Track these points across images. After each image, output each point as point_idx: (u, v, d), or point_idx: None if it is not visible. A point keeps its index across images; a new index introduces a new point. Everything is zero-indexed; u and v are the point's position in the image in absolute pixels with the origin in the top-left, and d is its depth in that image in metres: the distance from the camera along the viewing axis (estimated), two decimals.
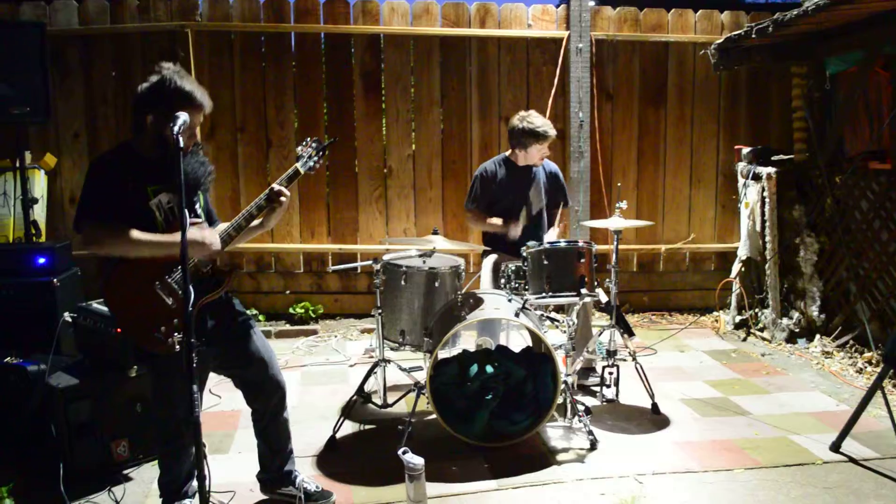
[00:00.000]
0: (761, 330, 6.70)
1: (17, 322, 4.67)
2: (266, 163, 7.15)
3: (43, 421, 4.00)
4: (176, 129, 2.84)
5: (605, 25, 7.29)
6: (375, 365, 4.67)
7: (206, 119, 3.33)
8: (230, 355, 3.49)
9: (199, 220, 3.35)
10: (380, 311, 4.57)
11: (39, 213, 6.26)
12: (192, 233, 3.12)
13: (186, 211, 2.84)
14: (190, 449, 3.48)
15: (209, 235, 3.23)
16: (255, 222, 3.41)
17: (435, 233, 4.57)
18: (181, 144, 2.79)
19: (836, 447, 4.23)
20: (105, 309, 4.17)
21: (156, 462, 3.66)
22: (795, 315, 6.41)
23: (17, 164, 5.78)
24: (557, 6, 7.33)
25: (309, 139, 3.56)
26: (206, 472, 2.70)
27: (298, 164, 3.49)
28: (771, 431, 4.57)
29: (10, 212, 6.22)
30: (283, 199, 3.39)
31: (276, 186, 3.38)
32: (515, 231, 5.21)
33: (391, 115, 7.27)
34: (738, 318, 6.93)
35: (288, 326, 6.99)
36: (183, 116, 2.94)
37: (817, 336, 6.25)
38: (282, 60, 7.12)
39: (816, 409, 4.93)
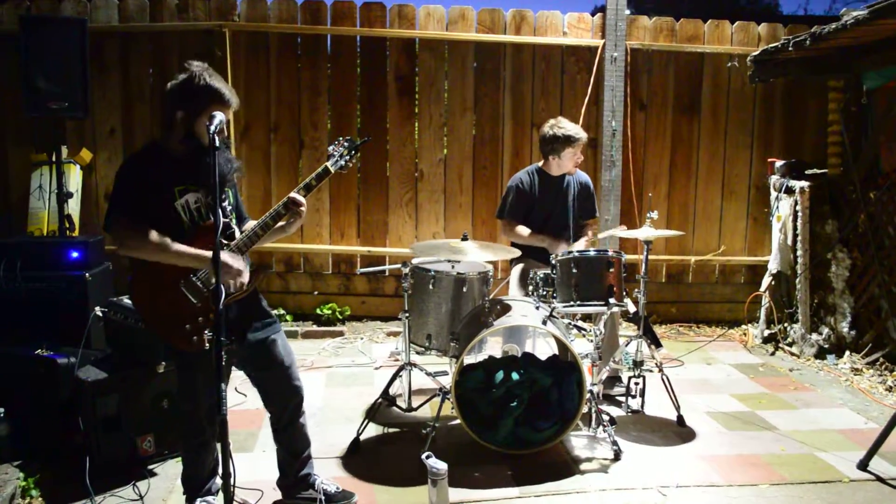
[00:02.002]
0: (790, 345, 6.63)
1: (48, 315, 4.72)
2: (298, 163, 7.20)
3: (71, 414, 4.05)
4: (213, 128, 2.86)
5: (641, 35, 7.26)
6: (401, 368, 4.69)
7: (240, 118, 3.36)
8: (252, 356, 3.50)
9: (226, 220, 3.36)
10: (407, 314, 4.58)
11: (74, 207, 6.34)
12: (226, 258, 3.13)
13: (219, 210, 2.85)
14: (213, 445, 3.51)
15: (238, 263, 3.24)
16: (277, 225, 3.42)
17: (465, 238, 4.57)
18: (217, 144, 2.81)
19: (863, 465, 4.17)
20: None
21: (180, 458, 3.69)
22: (825, 331, 6.33)
23: (54, 159, 5.85)
24: (593, 14, 7.31)
25: (341, 138, 3.57)
26: (232, 470, 2.71)
27: (329, 163, 3.51)
28: (797, 447, 4.53)
29: (45, 205, 6.30)
30: (300, 208, 3.40)
31: (293, 195, 3.38)
32: (562, 249, 5.15)
33: (424, 119, 7.29)
34: (766, 332, 6.87)
35: (315, 327, 7.02)
36: (220, 116, 2.97)
37: (847, 352, 6.18)
38: (317, 62, 7.16)
39: (844, 427, 4.87)
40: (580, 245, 5.39)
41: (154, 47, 6.97)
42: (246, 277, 3.27)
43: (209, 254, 3.02)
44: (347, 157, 3.54)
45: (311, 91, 7.15)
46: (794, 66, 6.48)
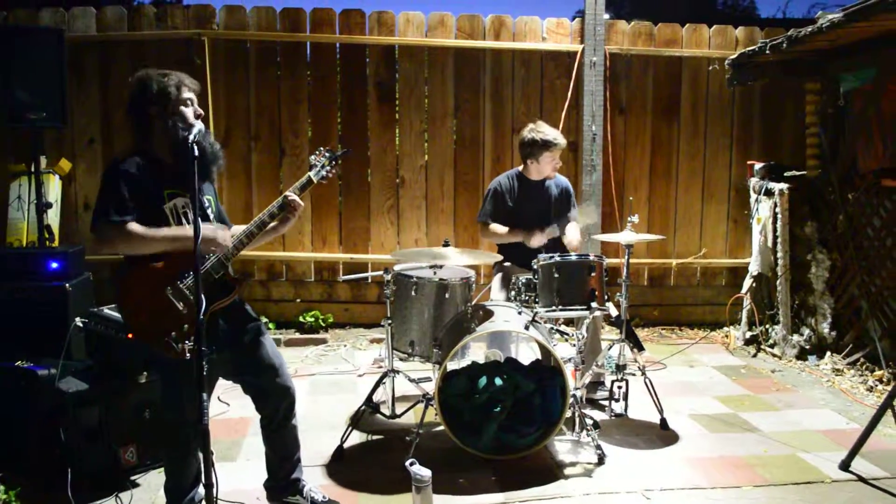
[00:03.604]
0: (772, 346, 6.67)
1: (28, 326, 4.68)
2: (279, 171, 7.18)
3: (52, 425, 4.01)
4: (192, 137, 2.87)
5: (620, 40, 7.30)
6: (384, 375, 4.68)
7: (220, 126, 3.39)
8: (240, 361, 3.50)
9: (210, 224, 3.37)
10: (390, 321, 4.58)
11: (53, 217, 6.29)
12: (204, 228, 3.15)
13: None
14: (196, 455, 3.49)
15: (221, 232, 3.27)
16: (269, 226, 3.43)
17: (446, 244, 4.57)
18: (196, 153, 2.81)
19: (845, 466, 4.20)
20: (116, 315, 4.20)
21: (163, 468, 3.66)
22: (806, 332, 6.38)
23: (33, 169, 5.81)
24: (572, 20, 7.36)
25: (322, 149, 3.59)
26: (214, 480, 2.70)
27: (311, 173, 3.52)
28: (780, 449, 4.55)
29: (24, 216, 6.25)
30: (296, 208, 3.44)
31: (289, 195, 3.41)
32: (539, 239, 5.18)
33: (405, 125, 7.29)
34: (748, 334, 6.92)
35: (297, 335, 7.00)
36: (198, 125, 3.00)
37: (828, 353, 6.22)
38: (297, 69, 7.16)
39: (826, 427, 4.90)
40: (574, 233, 5.36)
41: (133, 56, 6.93)
42: (228, 242, 3.29)
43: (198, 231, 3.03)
44: (329, 167, 3.56)
45: (292, 99, 7.15)
46: (772, 68, 6.54)
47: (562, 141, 5.29)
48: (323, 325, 7.18)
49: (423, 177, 7.31)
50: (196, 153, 2.81)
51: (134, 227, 3.15)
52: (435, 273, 4.58)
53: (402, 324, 4.60)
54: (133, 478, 4.06)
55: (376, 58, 7.18)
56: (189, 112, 3.27)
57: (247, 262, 7.10)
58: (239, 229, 3.44)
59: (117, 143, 6.92)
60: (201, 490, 3.54)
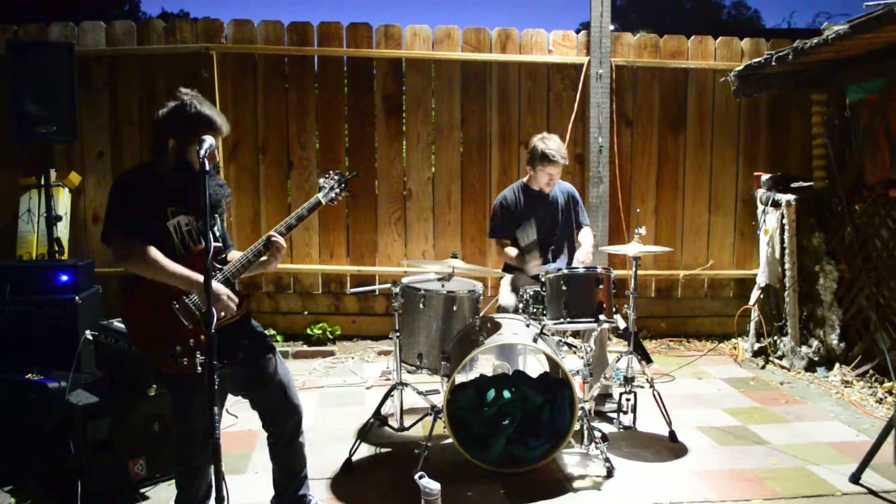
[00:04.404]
0: (780, 358, 6.66)
1: (38, 339, 4.70)
2: (287, 183, 7.21)
3: (62, 438, 4.03)
4: (202, 152, 2.87)
5: (626, 52, 7.32)
6: (393, 388, 4.68)
7: (228, 139, 3.40)
8: (248, 377, 3.49)
9: (219, 245, 3.38)
10: (398, 333, 4.58)
11: (63, 230, 6.32)
12: (218, 287, 3.16)
13: (210, 234, 2.86)
14: (206, 468, 3.48)
15: (231, 295, 3.24)
16: (259, 260, 3.41)
17: (454, 256, 4.59)
18: (206, 168, 2.82)
19: (855, 479, 4.18)
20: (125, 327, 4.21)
21: (172, 482, 3.67)
22: (815, 343, 6.36)
23: (43, 182, 5.85)
24: (578, 32, 7.37)
25: (332, 172, 3.59)
26: (225, 494, 2.71)
27: (320, 195, 3.53)
28: (789, 461, 4.54)
29: (34, 229, 6.29)
30: (278, 252, 3.39)
31: (273, 236, 3.36)
32: (535, 268, 5.20)
33: (412, 138, 7.32)
34: (756, 346, 6.90)
35: (305, 347, 7.01)
36: (209, 140, 2.98)
37: (837, 365, 6.21)
38: (304, 83, 7.19)
39: (836, 440, 4.89)
40: (582, 256, 5.38)
41: (142, 70, 6.98)
42: (234, 307, 3.26)
43: (200, 278, 3.03)
44: (338, 190, 3.57)
45: (299, 111, 7.18)
46: (778, 80, 6.55)
47: (561, 160, 5.31)
48: (330, 337, 7.18)
49: (430, 189, 7.33)
50: (206, 168, 2.82)
51: (154, 253, 3.16)
52: (443, 286, 4.59)
53: (410, 336, 4.61)
54: (142, 491, 4.07)
55: (383, 71, 7.21)
56: (210, 142, 3.02)
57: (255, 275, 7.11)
58: (237, 255, 3.44)
59: (126, 156, 6.96)
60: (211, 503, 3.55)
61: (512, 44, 7.24)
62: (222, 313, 3.21)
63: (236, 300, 3.26)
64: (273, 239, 3.37)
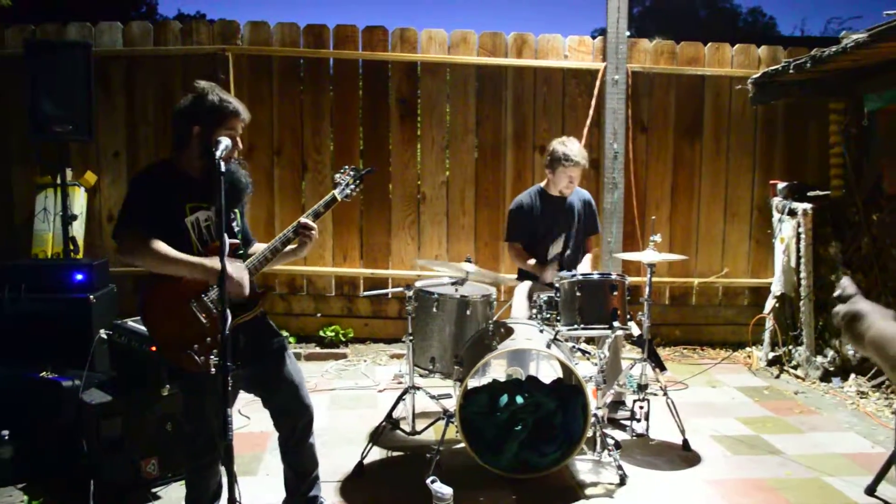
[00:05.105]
0: (795, 367, 6.61)
1: (52, 337, 4.70)
2: (301, 185, 7.22)
3: (75, 436, 4.04)
4: (218, 153, 2.87)
5: (642, 58, 7.30)
6: (405, 391, 4.67)
7: (243, 141, 3.38)
8: (261, 376, 3.49)
9: (237, 241, 3.37)
10: (411, 337, 4.57)
11: (78, 229, 6.35)
12: (230, 267, 3.14)
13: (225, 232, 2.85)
14: (217, 468, 3.49)
15: (241, 273, 3.23)
16: (287, 249, 3.43)
17: (468, 261, 4.58)
18: (223, 169, 2.82)
19: (871, 491, 4.13)
20: (139, 327, 4.22)
21: (184, 481, 3.67)
22: (830, 353, 6.32)
23: (59, 181, 5.88)
24: (594, 37, 7.35)
25: (347, 167, 3.59)
26: (237, 496, 2.70)
27: (336, 192, 3.52)
28: (804, 472, 4.50)
29: (49, 227, 6.32)
30: (311, 232, 3.41)
31: (303, 220, 3.39)
32: (550, 275, 5.19)
33: (426, 141, 7.32)
34: (771, 355, 6.85)
35: (318, 349, 7.01)
36: (225, 141, 2.99)
37: (852, 375, 6.16)
38: (319, 85, 7.21)
39: (851, 451, 4.85)
40: (585, 264, 5.41)
41: (158, 71, 7.00)
42: (247, 288, 3.26)
43: (212, 262, 3.03)
44: (353, 186, 3.57)
45: (314, 114, 7.19)
46: (795, 88, 6.51)
47: (580, 160, 5.30)
48: (343, 339, 7.18)
49: (443, 193, 7.33)
50: (223, 170, 2.82)
51: (158, 244, 3.16)
52: (456, 290, 4.58)
53: (423, 340, 4.60)
54: (154, 490, 4.07)
55: (398, 74, 7.21)
56: (226, 143, 3.09)
57: (268, 276, 7.12)
58: (261, 247, 3.45)
59: (142, 156, 6.99)
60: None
61: (528, 49, 7.23)
62: (236, 294, 3.21)
63: (247, 284, 3.26)
64: (303, 222, 3.38)
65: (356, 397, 5.82)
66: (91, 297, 4.89)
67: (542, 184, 5.53)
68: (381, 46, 7.13)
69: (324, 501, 3.70)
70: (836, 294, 2.01)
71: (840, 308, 1.96)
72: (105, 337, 4.47)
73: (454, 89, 7.26)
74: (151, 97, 7.04)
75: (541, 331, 4.52)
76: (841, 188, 6.61)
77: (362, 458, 4.40)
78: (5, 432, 4.07)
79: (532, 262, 5.40)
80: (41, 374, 4.28)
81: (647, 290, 4.92)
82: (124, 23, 7.01)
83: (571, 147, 5.29)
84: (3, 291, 4.82)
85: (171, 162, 3.34)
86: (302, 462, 3.64)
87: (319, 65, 7.20)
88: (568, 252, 5.45)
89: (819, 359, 6.37)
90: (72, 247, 5.78)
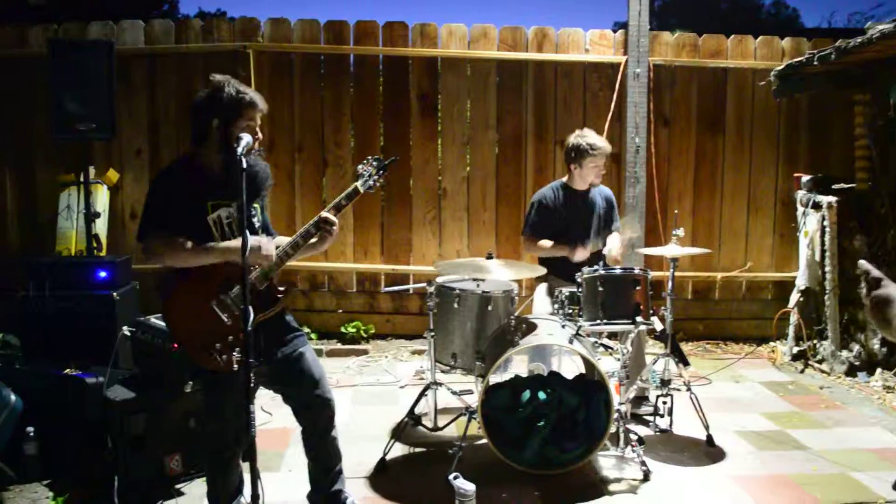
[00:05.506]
0: (820, 362, 6.54)
1: (76, 334, 4.74)
2: (322, 181, 7.23)
3: (99, 433, 4.07)
4: (240, 149, 2.88)
5: (664, 51, 7.24)
6: (427, 387, 4.67)
7: (264, 137, 3.38)
8: (282, 372, 3.50)
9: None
10: (432, 333, 4.57)
11: (101, 227, 6.39)
12: (251, 239, 3.14)
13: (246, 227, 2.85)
14: (238, 463, 3.51)
15: (265, 243, 3.27)
16: (308, 243, 3.43)
17: (489, 257, 4.56)
18: (244, 165, 2.83)
19: None
20: (162, 324, 4.23)
21: (205, 477, 3.68)
22: (856, 347, 6.25)
23: (82, 179, 5.91)
24: (615, 31, 7.31)
25: (370, 157, 3.52)
26: (261, 492, 2.71)
27: (358, 183, 3.48)
28: (830, 467, 4.45)
29: (73, 225, 6.36)
30: (332, 228, 3.39)
31: (323, 214, 3.38)
32: (582, 254, 5.15)
33: (447, 137, 7.30)
34: (795, 349, 6.78)
35: (339, 345, 7.02)
36: (246, 138, 3.01)
37: (878, 370, 6.09)
38: (340, 81, 7.21)
39: (877, 446, 4.79)
40: (614, 243, 5.33)
41: (179, 69, 7.04)
42: (272, 253, 3.29)
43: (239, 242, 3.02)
44: (376, 177, 3.51)
45: (335, 110, 7.20)
46: (819, 80, 6.44)
47: (605, 146, 5.27)
48: (364, 335, 7.19)
49: (464, 188, 7.31)
50: (245, 165, 2.82)
51: (182, 241, 3.18)
52: (478, 286, 4.57)
53: (445, 336, 4.60)
54: (178, 486, 4.09)
55: (419, 70, 7.20)
56: (248, 134, 3.15)
57: (289, 273, 7.13)
58: (284, 240, 3.45)
59: (165, 153, 7.02)
60: (243, 500, 3.56)
61: (548, 43, 7.19)
62: (260, 263, 3.26)
63: (273, 249, 3.28)
64: (324, 216, 3.37)
65: (378, 393, 5.83)
66: (114, 294, 4.93)
67: (564, 179, 5.48)
68: (402, 42, 7.12)
69: (348, 496, 3.71)
70: (858, 272, 2.00)
71: (872, 293, 1.95)
72: (128, 334, 4.49)
73: (474, 84, 7.24)
74: (173, 95, 7.07)
75: (563, 326, 4.50)
76: (867, 181, 6.52)
77: (385, 454, 4.40)
78: (30, 429, 4.10)
79: (548, 243, 5.33)
80: (65, 371, 4.31)
81: (669, 284, 4.88)
82: (146, 21, 7.05)
83: (592, 136, 5.24)
84: (27, 289, 4.86)
85: (192, 158, 3.35)
86: (325, 456, 3.65)
87: (340, 61, 7.20)
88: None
89: (844, 353, 6.30)
90: (95, 244, 5.82)
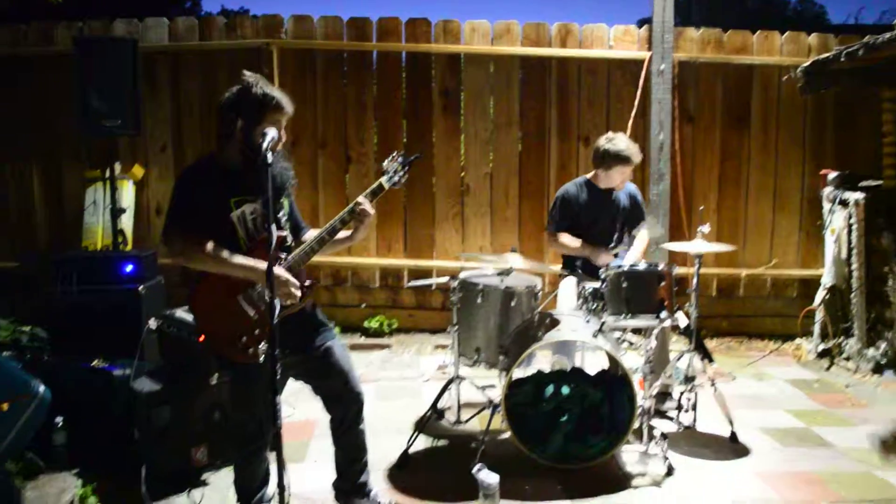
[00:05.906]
0: (845, 360, 6.48)
1: (103, 327, 4.79)
2: (345, 178, 7.26)
3: (126, 424, 4.11)
4: (265, 144, 2.90)
5: (688, 47, 7.20)
6: (450, 382, 4.67)
7: (287, 134, 3.39)
8: (310, 365, 3.52)
9: (283, 234, 3.39)
10: (456, 327, 4.57)
11: (127, 222, 6.46)
12: (279, 271, 3.17)
13: (273, 224, 2.85)
14: (265, 454, 3.55)
15: (292, 280, 3.25)
16: (341, 235, 3.44)
17: (513, 251, 4.56)
18: (269, 160, 2.84)
19: None
20: (188, 317, 4.28)
21: (232, 468, 3.71)
22: (882, 345, 6.19)
23: (108, 175, 5.97)
24: (639, 27, 7.27)
25: (395, 153, 3.54)
26: (287, 482, 2.73)
27: (383, 179, 3.49)
28: (854, 465, 4.42)
29: (99, 220, 6.44)
30: (367, 214, 3.41)
31: (360, 201, 3.40)
32: (605, 258, 5.14)
33: (469, 133, 7.31)
34: (821, 347, 6.72)
35: (362, 340, 7.05)
36: (272, 133, 3.02)
37: None
38: (363, 78, 7.23)
39: None
40: (636, 251, 5.33)
41: (203, 66, 7.10)
42: (297, 294, 3.28)
43: (264, 266, 3.03)
44: (402, 173, 3.52)
45: (357, 106, 7.22)
46: (846, 76, 6.37)
47: (637, 157, 5.22)
48: (387, 330, 7.21)
49: (487, 184, 7.31)
50: (269, 160, 2.84)
51: (208, 247, 3.20)
52: (501, 281, 4.57)
53: (468, 330, 4.60)
54: (203, 477, 4.13)
55: (441, 66, 7.21)
56: (273, 134, 3.10)
57: (312, 268, 7.12)
58: (313, 233, 3.47)
59: (189, 149, 7.08)
60: (269, 490, 3.59)
61: (572, 39, 7.17)
62: (287, 301, 3.23)
63: (298, 285, 3.28)
64: (361, 207, 3.39)
65: (401, 388, 5.84)
66: (140, 287, 4.99)
67: (589, 175, 5.46)
68: (424, 38, 7.13)
69: (372, 488, 3.73)
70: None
71: None
72: (154, 327, 4.53)
73: (497, 80, 7.24)
74: (197, 91, 7.12)
75: (587, 321, 4.49)
76: (894, 178, 6.46)
77: (408, 447, 4.41)
78: (59, 419, 4.15)
79: (575, 242, 5.32)
80: (93, 364, 4.35)
81: (694, 280, 4.86)
82: (170, 19, 7.12)
83: (622, 144, 5.16)
84: (55, 283, 4.92)
85: (216, 157, 3.36)
86: (353, 447, 3.68)
87: (362, 57, 7.22)
88: (611, 245, 5.39)
89: (871, 351, 6.24)
90: (121, 239, 5.89)
